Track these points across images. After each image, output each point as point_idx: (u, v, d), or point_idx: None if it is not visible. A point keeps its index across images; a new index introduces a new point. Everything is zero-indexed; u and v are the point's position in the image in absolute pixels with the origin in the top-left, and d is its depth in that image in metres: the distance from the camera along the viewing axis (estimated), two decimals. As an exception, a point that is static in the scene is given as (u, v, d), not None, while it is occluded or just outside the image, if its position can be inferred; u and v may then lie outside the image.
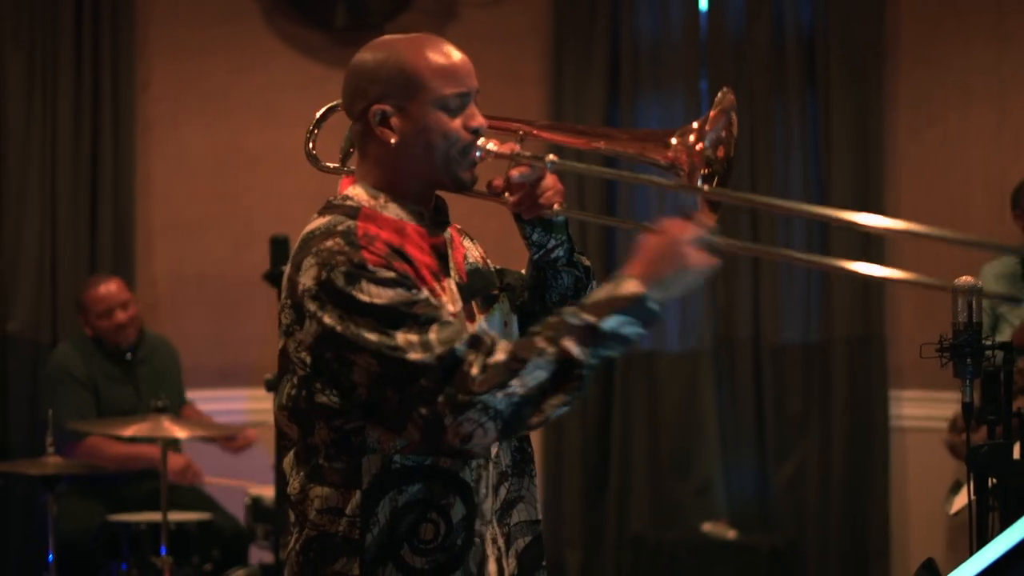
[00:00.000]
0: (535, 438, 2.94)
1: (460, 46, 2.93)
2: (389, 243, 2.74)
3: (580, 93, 7.64)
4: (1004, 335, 6.11)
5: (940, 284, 2.87)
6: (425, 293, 2.71)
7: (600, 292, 2.69)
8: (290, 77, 7.58)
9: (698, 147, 2.87)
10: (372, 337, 2.63)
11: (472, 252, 3.01)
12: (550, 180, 2.91)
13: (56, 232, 7.05)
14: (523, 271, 3.08)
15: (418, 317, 2.64)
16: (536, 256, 3.01)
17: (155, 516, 5.90)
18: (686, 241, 2.67)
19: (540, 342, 2.63)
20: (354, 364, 2.66)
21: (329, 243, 2.72)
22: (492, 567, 2.86)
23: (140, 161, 7.32)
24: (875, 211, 7.28)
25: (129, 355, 6.53)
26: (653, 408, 7.62)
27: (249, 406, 7.02)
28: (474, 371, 2.60)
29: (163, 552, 5.72)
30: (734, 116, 2.97)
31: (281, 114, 7.55)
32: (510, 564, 2.93)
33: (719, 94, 2.94)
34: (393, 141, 2.81)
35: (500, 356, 2.63)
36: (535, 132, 2.99)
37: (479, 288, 2.94)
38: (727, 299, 7.57)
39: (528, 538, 2.98)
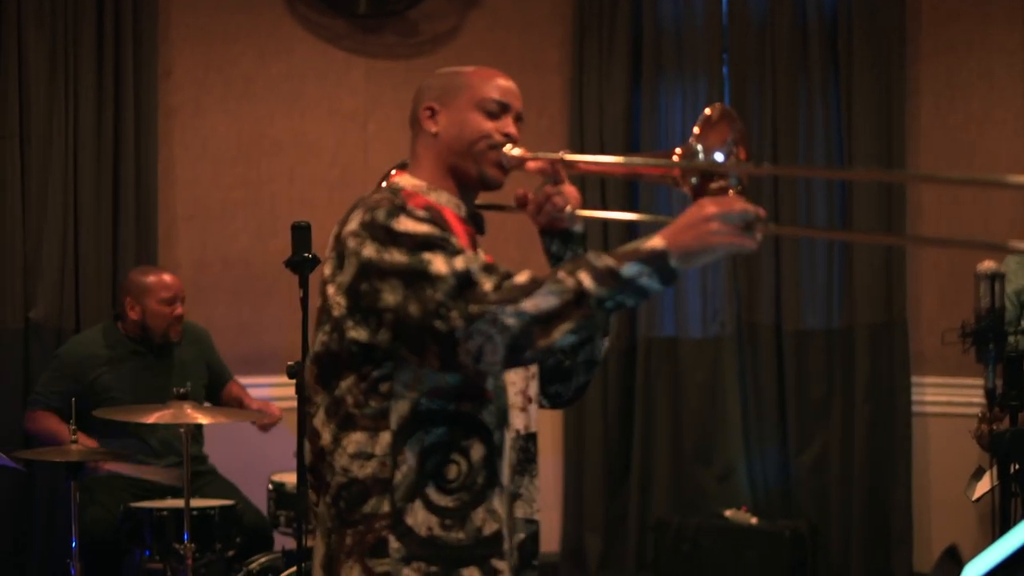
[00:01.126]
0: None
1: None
2: (429, 205, 3.02)
3: (602, 80, 7.64)
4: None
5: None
6: (456, 238, 2.93)
7: (628, 245, 2.82)
8: (312, 64, 7.59)
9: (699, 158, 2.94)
10: (402, 259, 2.85)
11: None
12: (568, 187, 3.17)
13: (79, 220, 7.05)
14: None
15: (448, 246, 2.86)
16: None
17: (178, 503, 5.91)
18: (716, 216, 2.75)
19: (560, 274, 2.80)
20: (382, 291, 2.87)
21: (376, 197, 2.99)
22: (519, 510, 3.10)
23: (163, 148, 7.32)
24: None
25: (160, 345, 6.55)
26: (675, 394, 7.63)
27: (272, 393, 7.02)
28: (487, 287, 2.79)
29: (186, 539, 5.72)
30: (735, 116, 2.99)
31: (304, 101, 7.56)
32: (513, 555, 3.09)
33: (708, 108, 2.97)
34: (434, 130, 3.12)
35: (519, 278, 2.80)
36: (567, 159, 3.16)
37: None
38: (749, 285, 7.56)
39: (523, 534, 3.14)
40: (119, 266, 7.03)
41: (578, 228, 3.20)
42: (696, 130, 2.94)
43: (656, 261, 2.77)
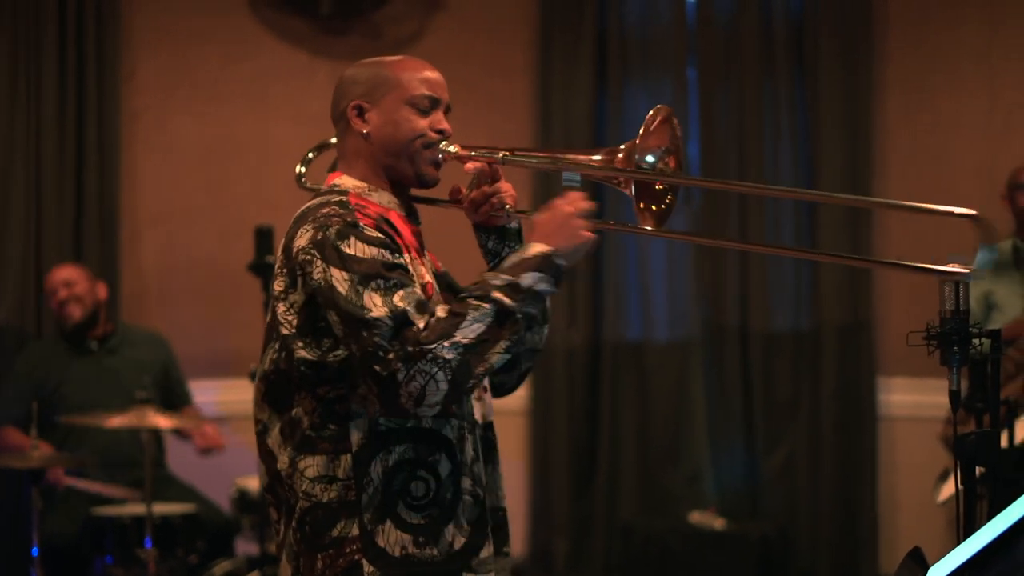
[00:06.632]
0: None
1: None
2: (379, 212, 3.00)
3: (568, 82, 7.62)
4: (995, 324, 6.09)
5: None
6: (406, 259, 2.94)
7: (511, 259, 2.96)
8: (276, 66, 7.57)
9: (632, 159, 3.01)
10: (342, 291, 2.83)
11: (437, 261, 3.23)
12: (504, 185, 3.16)
13: (41, 223, 7.03)
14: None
15: (389, 280, 2.84)
16: (492, 265, 3.20)
17: (139, 509, 5.88)
18: (573, 214, 2.96)
19: (473, 300, 2.86)
20: (330, 318, 2.87)
21: (325, 210, 2.95)
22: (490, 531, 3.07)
23: (126, 151, 7.30)
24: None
25: (95, 345, 6.53)
26: (642, 397, 7.62)
27: (237, 397, 6.97)
28: (420, 326, 2.80)
29: (148, 545, 5.70)
30: (676, 124, 3.08)
31: (268, 103, 7.54)
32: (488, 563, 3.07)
33: (653, 110, 3.05)
34: (366, 131, 3.08)
35: (440, 313, 2.84)
36: (502, 151, 3.17)
37: (450, 282, 3.17)
38: (715, 287, 7.56)
39: (491, 524, 3.09)
40: (82, 270, 6.99)
41: (514, 224, 3.21)
42: (641, 131, 2.99)
43: (547, 266, 2.92)
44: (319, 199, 3.02)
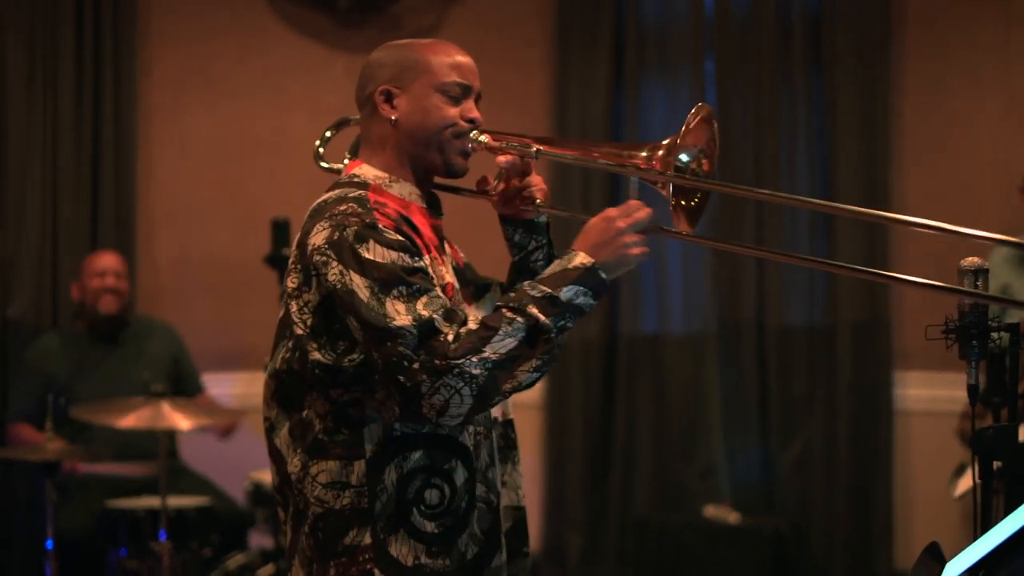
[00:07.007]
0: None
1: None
2: (398, 211, 2.88)
3: (585, 77, 7.60)
4: (1013, 317, 6.07)
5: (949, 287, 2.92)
6: (426, 261, 2.85)
7: (553, 268, 2.87)
8: (294, 60, 7.57)
9: (669, 158, 2.92)
10: (363, 298, 2.75)
11: (460, 251, 3.15)
12: (535, 178, 3.07)
13: (57, 219, 7.04)
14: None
15: (412, 286, 2.75)
16: (517, 258, 3.15)
17: (154, 502, 5.88)
18: (628, 228, 2.87)
19: (508, 312, 2.77)
20: (348, 322, 2.78)
21: (343, 207, 2.85)
22: (504, 499, 3.02)
23: (142, 148, 7.31)
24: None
25: (119, 338, 6.53)
26: (657, 390, 7.60)
27: (252, 390, 6.96)
28: (449, 338, 2.72)
29: (162, 538, 5.70)
30: (716, 127, 3.00)
31: (285, 97, 7.54)
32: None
33: (695, 107, 2.97)
34: (394, 117, 2.96)
35: (472, 325, 2.76)
36: (527, 140, 3.07)
37: (472, 278, 3.10)
38: (732, 281, 7.54)
39: (509, 523, 3.05)
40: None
41: (542, 218, 3.13)
42: (683, 129, 2.92)
43: (589, 279, 2.83)
44: (337, 192, 2.92)
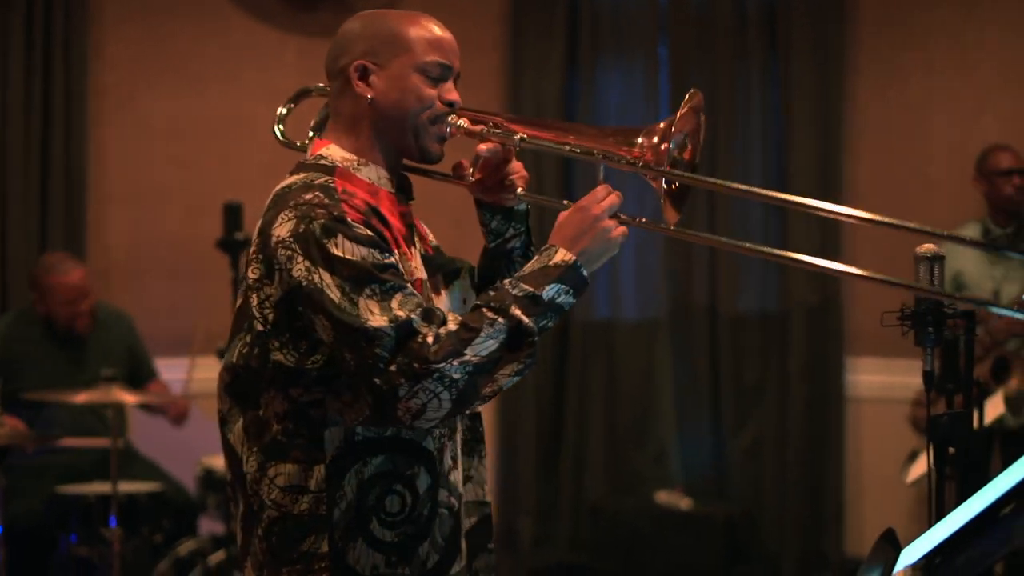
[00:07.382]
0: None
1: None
2: (367, 201, 2.75)
3: (539, 60, 7.58)
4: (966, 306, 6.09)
5: (904, 282, 2.91)
6: (396, 257, 2.71)
7: (533, 264, 2.75)
8: (247, 42, 7.52)
9: (662, 147, 2.84)
10: (334, 297, 2.61)
11: (429, 233, 3.01)
12: (516, 165, 2.94)
13: (6, 201, 7.00)
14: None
15: (384, 283, 2.63)
16: (492, 244, 3.03)
17: (105, 487, 5.84)
18: (602, 214, 2.77)
19: (489, 313, 2.66)
20: (315, 323, 2.65)
21: (308, 196, 2.71)
22: (469, 493, 2.93)
23: (94, 128, 7.26)
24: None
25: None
26: (609, 376, 7.60)
27: (205, 375, 6.94)
28: (428, 340, 2.59)
29: (113, 524, 5.66)
30: (703, 118, 2.93)
31: (238, 79, 7.49)
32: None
33: (688, 94, 2.89)
34: (370, 96, 2.82)
35: (452, 326, 2.64)
36: (507, 124, 2.95)
37: (442, 263, 2.95)
38: (684, 268, 7.54)
39: (474, 518, 2.97)
40: (48, 248, 6.96)
41: (522, 205, 2.99)
42: (677, 115, 2.84)
43: (570, 276, 2.73)
44: (302, 177, 2.78)
